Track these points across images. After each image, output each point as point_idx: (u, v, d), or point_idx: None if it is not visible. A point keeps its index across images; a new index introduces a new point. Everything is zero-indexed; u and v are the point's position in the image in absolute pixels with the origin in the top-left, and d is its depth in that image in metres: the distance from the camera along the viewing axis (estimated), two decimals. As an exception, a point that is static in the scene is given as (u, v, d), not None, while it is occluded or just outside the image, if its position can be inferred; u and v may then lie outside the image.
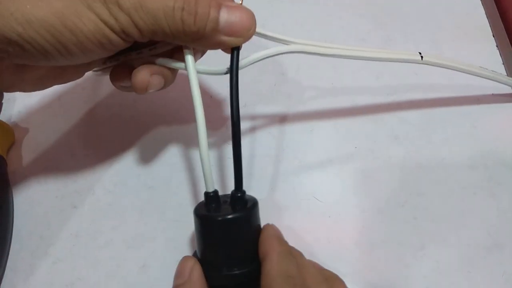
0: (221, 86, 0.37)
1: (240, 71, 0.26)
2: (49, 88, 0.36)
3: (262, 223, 0.27)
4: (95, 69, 0.28)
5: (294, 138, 0.35)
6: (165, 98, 0.36)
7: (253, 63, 0.27)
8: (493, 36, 0.41)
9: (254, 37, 0.25)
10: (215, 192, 0.26)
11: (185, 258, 0.26)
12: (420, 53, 0.31)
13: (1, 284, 0.29)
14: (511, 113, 0.36)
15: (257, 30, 0.25)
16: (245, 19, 0.24)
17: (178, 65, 0.26)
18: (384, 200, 0.32)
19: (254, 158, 0.34)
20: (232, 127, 0.26)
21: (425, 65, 0.32)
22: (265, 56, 0.27)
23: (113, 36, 0.22)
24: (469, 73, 0.33)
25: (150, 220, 0.31)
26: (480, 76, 0.34)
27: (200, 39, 0.24)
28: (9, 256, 0.30)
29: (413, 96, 0.37)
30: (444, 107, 0.36)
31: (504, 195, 0.32)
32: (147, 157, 0.34)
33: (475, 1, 0.43)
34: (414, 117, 0.36)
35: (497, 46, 0.40)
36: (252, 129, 0.35)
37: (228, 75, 0.26)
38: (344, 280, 0.29)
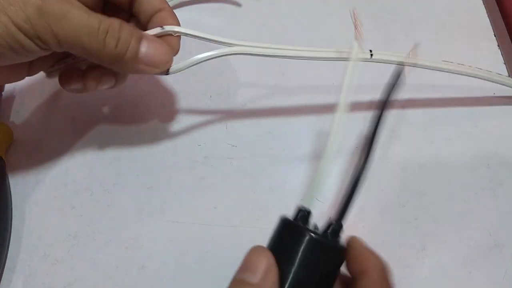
0: (221, 86, 0.37)
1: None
2: (48, 88, 0.36)
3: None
4: (49, 70, 0.28)
5: (294, 138, 0.34)
6: (165, 99, 0.36)
7: (193, 65, 0.28)
8: (495, 36, 0.41)
9: (202, 42, 0.28)
10: (309, 212, 0.23)
11: (259, 250, 0.21)
12: (370, 51, 0.30)
13: (0, 285, 0.29)
14: (513, 113, 0.36)
15: (201, 34, 0.28)
16: (163, 54, 0.27)
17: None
18: (385, 200, 0.32)
19: (253, 158, 0.34)
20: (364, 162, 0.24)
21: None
22: (206, 58, 0.28)
23: (26, 42, 0.22)
24: (454, 73, 0.33)
25: (149, 220, 0.31)
26: (472, 76, 0.33)
27: (117, 63, 0.25)
28: (8, 257, 0.30)
29: (415, 96, 0.37)
30: (445, 107, 0.36)
31: (505, 195, 0.32)
32: (146, 158, 0.33)
33: (476, 1, 0.43)
34: (415, 117, 0.36)
35: (498, 46, 0.40)
36: (252, 129, 0.35)
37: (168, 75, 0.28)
38: (345, 281, 0.29)
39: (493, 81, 0.34)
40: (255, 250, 0.22)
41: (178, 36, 0.28)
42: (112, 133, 0.35)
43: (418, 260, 0.29)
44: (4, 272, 0.29)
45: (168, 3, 0.29)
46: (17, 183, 0.32)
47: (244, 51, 0.29)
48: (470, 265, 0.29)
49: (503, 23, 0.42)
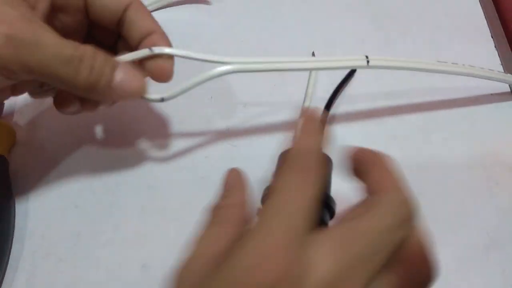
0: (221, 86, 0.37)
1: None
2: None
3: None
4: (36, 91, 0.28)
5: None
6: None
7: (189, 89, 0.27)
8: (492, 37, 0.41)
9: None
10: None
11: (230, 171, 0.23)
12: (366, 57, 0.29)
13: (3, 284, 0.29)
14: (510, 113, 0.36)
15: (193, 55, 0.27)
16: (136, 83, 0.26)
17: None
18: (383, 200, 0.32)
19: (253, 158, 0.34)
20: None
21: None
22: (201, 81, 0.27)
23: None
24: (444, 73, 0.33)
25: (151, 219, 0.31)
26: (458, 74, 0.33)
27: (91, 92, 0.24)
28: (11, 256, 0.30)
29: (412, 96, 0.37)
30: (442, 107, 0.37)
31: (502, 195, 0.32)
32: (148, 157, 0.34)
33: (473, 2, 0.43)
34: (413, 117, 0.36)
35: (495, 47, 0.40)
36: (252, 129, 0.35)
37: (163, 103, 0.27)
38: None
39: (486, 78, 0.34)
40: (229, 171, 0.23)
41: (171, 58, 0.27)
42: (115, 133, 0.35)
43: (416, 259, 0.30)
44: (7, 271, 0.29)
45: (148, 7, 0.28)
46: (20, 183, 0.32)
47: (241, 69, 0.27)
48: (468, 265, 0.29)
49: (500, 24, 0.42)
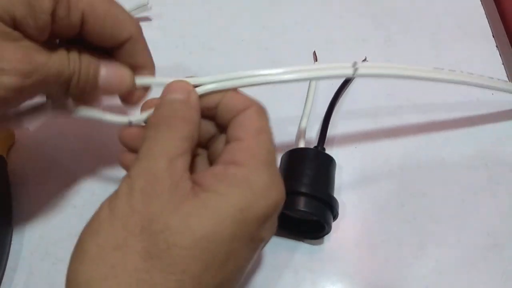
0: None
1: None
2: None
3: None
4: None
5: (292, 138, 0.35)
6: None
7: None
8: (493, 37, 0.41)
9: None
10: None
11: (178, 80, 0.24)
12: (355, 63, 0.26)
13: (1, 284, 0.29)
14: (511, 113, 0.36)
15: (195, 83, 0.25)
16: (121, 77, 0.25)
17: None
18: (384, 200, 0.32)
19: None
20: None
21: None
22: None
23: None
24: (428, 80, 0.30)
25: (150, 220, 0.31)
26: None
27: (80, 95, 0.25)
28: (9, 256, 0.30)
29: (413, 96, 0.37)
30: (444, 106, 0.36)
31: (504, 195, 0.32)
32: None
33: (475, 2, 0.43)
34: (413, 116, 0.36)
35: (497, 47, 0.40)
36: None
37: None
38: (344, 280, 0.29)
39: (486, 87, 0.33)
40: (175, 80, 0.24)
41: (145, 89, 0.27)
42: (114, 133, 0.35)
43: (417, 260, 0.29)
44: (6, 271, 0.29)
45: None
46: (18, 183, 0.32)
47: (214, 88, 0.24)
48: (469, 265, 0.29)
49: (502, 24, 0.42)
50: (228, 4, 0.43)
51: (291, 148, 0.31)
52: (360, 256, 0.30)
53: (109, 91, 0.26)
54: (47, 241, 0.30)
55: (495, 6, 0.43)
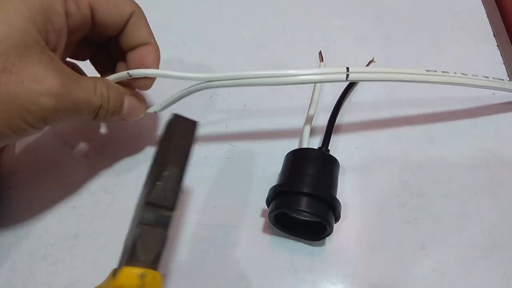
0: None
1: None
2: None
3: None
4: None
5: (293, 138, 0.34)
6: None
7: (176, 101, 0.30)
8: (494, 36, 0.41)
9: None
10: None
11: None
12: (347, 69, 0.27)
13: (1, 285, 0.29)
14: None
15: (173, 73, 0.28)
16: (139, 110, 0.30)
17: None
18: (384, 200, 0.32)
19: (253, 158, 0.34)
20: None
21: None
22: (179, 97, 0.30)
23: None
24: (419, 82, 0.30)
25: (149, 220, 0.31)
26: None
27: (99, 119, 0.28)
28: (8, 257, 0.30)
29: (414, 96, 0.37)
30: (445, 106, 0.36)
31: (505, 195, 0.32)
32: (146, 158, 0.34)
33: (475, 1, 0.43)
34: (415, 117, 0.36)
35: (497, 46, 0.40)
36: (252, 129, 0.35)
37: None
38: (345, 280, 0.29)
39: (482, 87, 0.33)
40: None
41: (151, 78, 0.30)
42: (113, 133, 0.35)
43: (418, 260, 0.29)
44: (4, 272, 0.29)
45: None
46: (18, 183, 0.32)
47: (214, 85, 0.28)
48: (470, 265, 0.29)
49: (502, 23, 0.42)
50: (228, 3, 0.43)
51: (295, 148, 0.31)
52: (361, 257, 0.30)
53: (127, 119, 0.29)
54: (46, 242, 0.30)
55: (495, 5, 0.43)
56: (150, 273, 0.21)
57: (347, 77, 0.27)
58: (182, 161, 0.23)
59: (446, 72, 0.30)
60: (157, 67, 0.29)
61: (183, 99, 0.30)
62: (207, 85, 0.28)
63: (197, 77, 0.28)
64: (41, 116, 0.23)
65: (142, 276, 0.21)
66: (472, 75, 0.32)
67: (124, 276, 0.20)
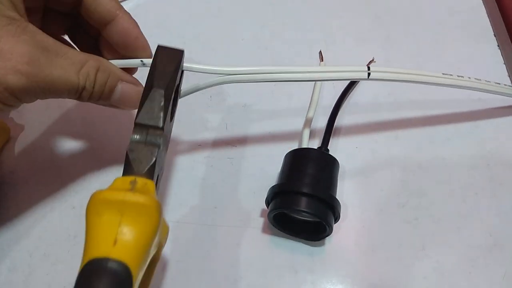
0: (221, 86, 0.37)
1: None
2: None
3: None
4: None
5: (293, 138, 0.34)
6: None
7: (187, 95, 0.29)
8: (494, 36, 0.41)
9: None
10: None
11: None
12: (368, 68, 0.29)
13: (1, 285, 0.29)
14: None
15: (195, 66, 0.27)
16: (135, 97, 0.27)
17: None
18: (384, 200, 0.32)
19: (253, 158, 0.34)
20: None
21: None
22: (196, 89, 0.28)
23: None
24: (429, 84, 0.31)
25: (149, 220, 0.31)
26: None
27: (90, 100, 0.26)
28: (8, 256, 0.30)
29: (414, 96, 0.37)
30: (445, 107, 0.36)
31: (505, 195, 0.32)
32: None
33: (476, 0, 0.43)
34: (415, 117, 0.36)
35: (498, 46, 0.40)
36: (252, 129, 0.35)
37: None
38: (345, 280, 0.29)
39: (493, 93, 0.34)
40: None
41: None
42: (112, 132, 0.35)
43: (418, 260, 0.29)
44: (4, 272, 0.29)
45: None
46: (17, 183, 0.32)
47: (234, 80, 0.28)
48: (470, 265, 0.29)
49: (503, 23, 0.42)
50: (228, 3, 0.43)
51: (294, 148, 0.31)
52: (361, 257, 0.30)
53: (120, 107, 0.27)
54: (45, 241, 0.30)
55: (496, 5, 0.43)
56: (141, 180, 0.22)
57: (368, 76, 0.28)
58: (166, 83, 0.24)
59: (461, 76, 0.31)
60: (145, 40, 0.27)
61: (183, 99, 0.29)
62: (228, 78, 0.27)
63: (219, 70, 0.27)
64: (11, 94, 0.21)
65: (132, 182, 0.22)
66: (486, 80, 0.33)
67: (116, 182, 0.22)
